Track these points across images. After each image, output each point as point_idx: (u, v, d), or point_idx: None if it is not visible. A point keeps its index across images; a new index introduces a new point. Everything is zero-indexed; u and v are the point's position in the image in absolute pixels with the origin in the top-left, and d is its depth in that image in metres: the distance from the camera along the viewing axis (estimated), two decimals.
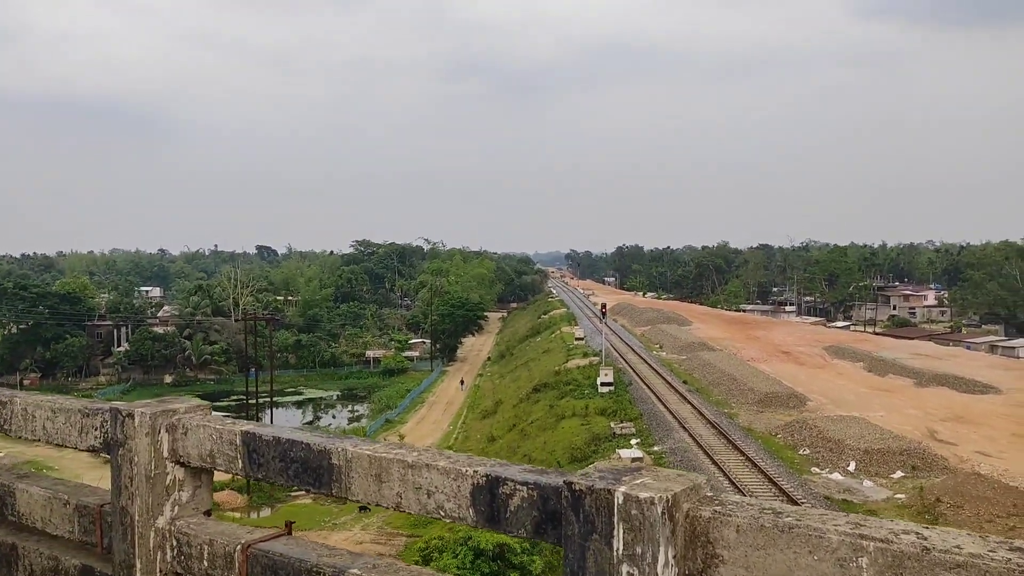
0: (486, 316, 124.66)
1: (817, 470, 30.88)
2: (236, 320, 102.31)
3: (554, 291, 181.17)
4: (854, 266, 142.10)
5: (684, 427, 37.84)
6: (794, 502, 25.54)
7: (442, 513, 2.49)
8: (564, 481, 2.16)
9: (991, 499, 25.79)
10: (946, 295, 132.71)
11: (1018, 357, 73.50)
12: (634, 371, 56.65)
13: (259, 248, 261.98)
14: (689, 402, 44.35)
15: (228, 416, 3.59)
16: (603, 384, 49.28)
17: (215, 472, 3.26)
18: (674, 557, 2.02)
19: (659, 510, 1.99)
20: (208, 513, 3.31)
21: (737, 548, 1.99)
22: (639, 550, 2.01)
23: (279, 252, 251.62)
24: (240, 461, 3.02)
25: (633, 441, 36.09)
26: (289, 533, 3.02)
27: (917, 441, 32.82)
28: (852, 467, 30.71)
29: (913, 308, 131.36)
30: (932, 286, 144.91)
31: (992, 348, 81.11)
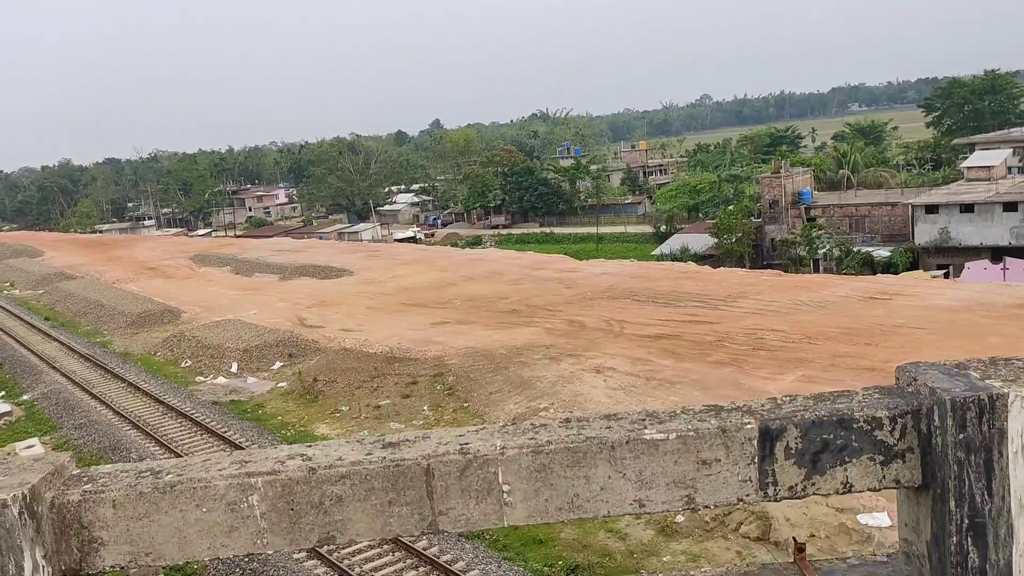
0: None
1: (202, 378, 31.43)
2: None
3: None
4: (206, 173, 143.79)
5: (55, 367, 34.73)
6: (184, 415, 25.76)
7: None
8: None
9: (357, 368, 29.51)
10: (295, 192, 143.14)
11: (361, 240, 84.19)
12: None
13: None
14: (56, 339, 40.68)
15: None
16: None
17: None
18: (44, 557, 1.79)
19: (16, 511, 1.73)
20: None
21: (117, 525, 1.81)
22: (1, 563, 1.76)
23: None
24: None
25: None
26: None
27: (289, 331, 35.54)
28: (235, 368, 32.00)
29: (268, 208, 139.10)
30: (281, 185, 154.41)
31: (340, 235, 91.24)
